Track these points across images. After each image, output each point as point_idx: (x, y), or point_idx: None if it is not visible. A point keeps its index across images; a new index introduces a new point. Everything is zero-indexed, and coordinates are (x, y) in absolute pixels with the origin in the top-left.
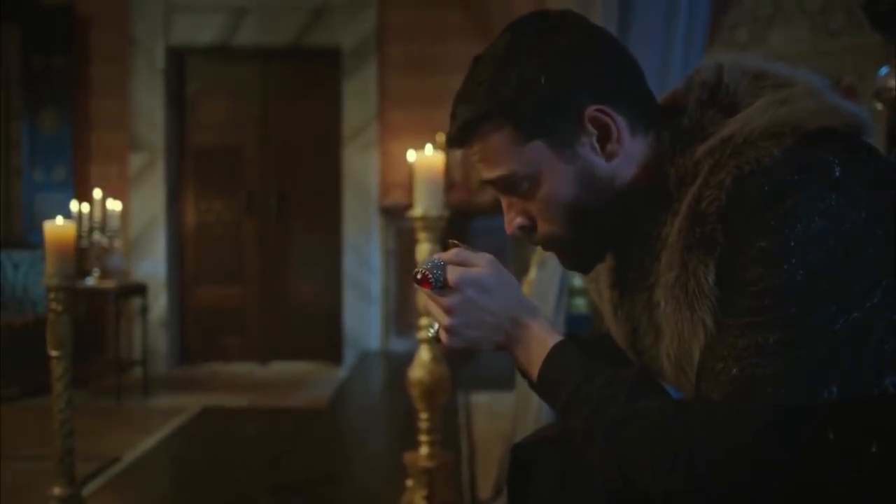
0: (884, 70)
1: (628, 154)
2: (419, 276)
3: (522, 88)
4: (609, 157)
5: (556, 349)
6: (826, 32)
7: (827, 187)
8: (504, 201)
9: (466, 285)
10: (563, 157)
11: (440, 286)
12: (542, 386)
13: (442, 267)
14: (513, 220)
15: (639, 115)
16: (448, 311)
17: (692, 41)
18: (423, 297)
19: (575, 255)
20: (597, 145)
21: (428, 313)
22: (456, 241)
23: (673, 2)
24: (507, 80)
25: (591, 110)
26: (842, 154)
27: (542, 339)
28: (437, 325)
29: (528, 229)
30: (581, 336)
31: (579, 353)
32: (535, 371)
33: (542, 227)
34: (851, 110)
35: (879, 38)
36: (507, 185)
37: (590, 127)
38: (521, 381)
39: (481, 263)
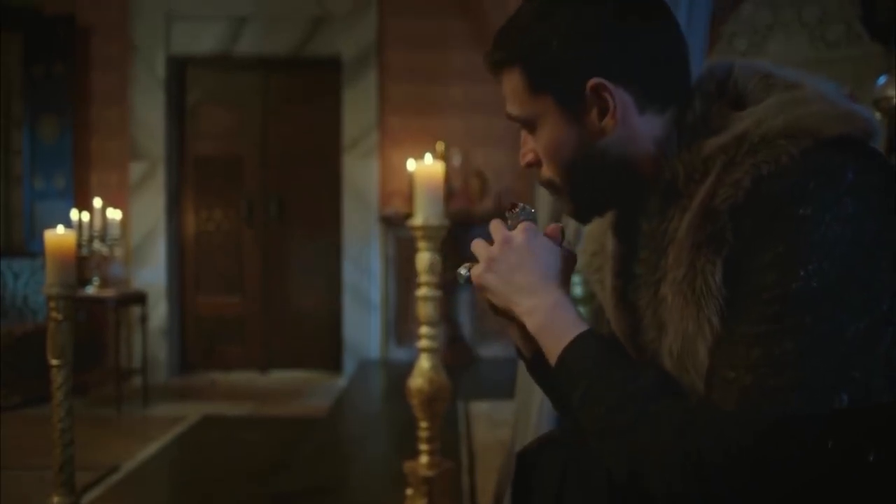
0: (882, 79)
1: (632, 130)
2: (512, 204)
3: (538, 46)
4: (604, 129)
5: (583, 336)
6: (824, 43)
7: (843, 194)
8: (522, 134)
9: (529, 233)
10: (565, 118)
11: (511, 228)
12: (560, 370)
13: (532, 217)
14: (525, 155)
15: (653, 94)
16: (503, 242)
17: (691, 48)
18: (423, 306)
19: (570, 205)
20: (596, 117)
21: (461, 260)
22: (515, 203)
23: (673, 8)
24: (532, 33)
25: (593, 82)
26: (857, 160)
27: (569, 322)
28: (469, 269)
29: (537, 167)
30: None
31: (604, 347)
32: (552, 350)
33: (544, 171)
34: (864, 116)
35: (877, 48)
36: (519, 122)
37: (591, 97)
38: (520, 390)
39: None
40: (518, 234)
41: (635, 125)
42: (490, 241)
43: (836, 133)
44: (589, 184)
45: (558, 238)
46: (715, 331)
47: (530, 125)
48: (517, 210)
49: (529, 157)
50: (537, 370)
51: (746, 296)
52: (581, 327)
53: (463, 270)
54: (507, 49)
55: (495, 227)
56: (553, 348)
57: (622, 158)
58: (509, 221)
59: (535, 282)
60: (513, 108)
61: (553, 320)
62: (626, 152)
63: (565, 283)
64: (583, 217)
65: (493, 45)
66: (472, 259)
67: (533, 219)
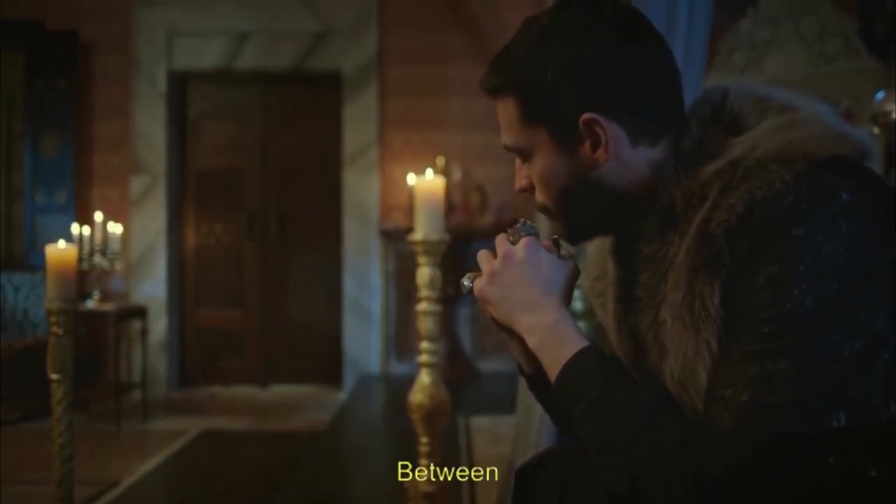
0: (880, 94)
1: (625, 162)
2: (513, 219)
3: (532, 78)
4: (597, 162)
5: (584, 352)
6: (823, 58)
7: (837, 214)
8: (517, 161)
9: (529, 249)
10: (559, 149)
11: (513, 243)
12: (561, 387)
13: (534, 233)
14: (520, 181)
15: (646, 127)
16: (504, 257)
17: (691, 65)
18: (423, 321)
19: (563, 229)
20: (588, 149)
21: (463, 272)
22: (516, 218)
23: (671, 25)
24: (527, 65)
25: (585, 117)
26: (850, 181)
27: (570, 338)
28: (472, 279)
29: (530, 192)
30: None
31: (605, 363)
32: (552, 367)
33: (538, 196)
34: (857, 137)
35: (875, 63)
36: (514, 152)
37: (584, 131)
38: (521, 405)
39: (565, 257)
40: (519, 249)
41: (628, 157)
42: (496, 253)
43: (829, 155)
44: (582, 211)
45: (555, 251)
46: (713, 353)
47: (525, 154)
48: (518, 226)
49: (523, 182)
50: (538, 387)
51: (743, 316)
52: (581, 343)
53: (466, 281)
54: (502, 77)
55: (499, 241)
56: (553, 365)
57: (615, 188)
58: (511, 237)
59: (535, 298)
60: (508, 138)
61: (553, 338)
62: (620, 182)
63: (567, 297)
64: (573, 240)
65: (489, 71)
66: (477, 269)
67: (534, 234)
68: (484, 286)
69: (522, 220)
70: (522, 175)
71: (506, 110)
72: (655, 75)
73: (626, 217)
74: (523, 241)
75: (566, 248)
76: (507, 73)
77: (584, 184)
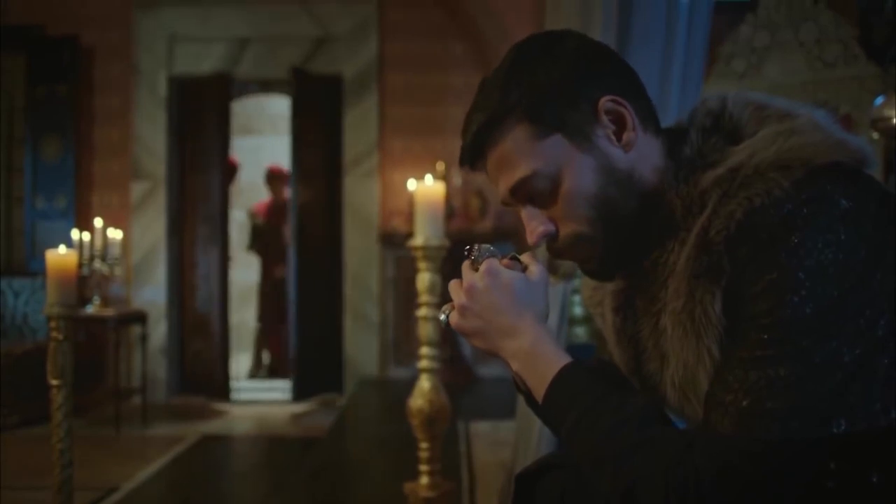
0: (879, 100)
1: (642, 149)
2: (469, 247)
3: (534, 86)
4: (626, 146)
5: (566, 370)
6: (821, 63)
7: (836, 220)
8: (523, 214)
9: (490, 275)
10: (582, 149)
11: (477, 270)
12: (549, 406)
13: (493, 254)
14: (535, 230)
15: (647, 115)
16: (467, 290)
17: (691, 70)
18: (423, 326)
19: (599, 257)
20: (613, 137)
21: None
22: (471, 246)
23: (671, 30)
24: (519, 83)
25: (605, 100)
26: (849, 187)
27: (550, 358)
28: (448, 312)
29: (551, 236)
30: (585, 362)
31: (589, 377)
32: (538, 388)
33: (567, 228)
34: (856, 144)
35: (874, 69)
36: (527, 188)
37: (605, 118)
38: (521, 411)
39: (528, 270)
40: (479, 278)
41: (643, 144)
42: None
43: (828, 161)
44: (622, 216)
45: (517, 266)
46: (715, 360)
47: (546, 181)
48: (475, 254)
49: (542, 228)
50: (535, 402)
51: (743, 322)
52: (561, 361)
53: (442, 316)
54: (499, 106)
55: (464, 270)
56: (538, 387)
57: (642, 181)
58: (473, 265)
59: (509, 323)
60: (522, 170)
61: (533, 360)
62: (643, 176)
63: (541, 311)
64: (611, 268)
65: (474, 117)
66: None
67: (494, 255)
68: (458, 321)
69: (477, 245)
70: (538, 221)
71: (508, 144)
72: (633, 72)
73: (646, 224)
74: (482, 267)
75: (524, 259)
76: (501, 101)
77: (617, 181)
